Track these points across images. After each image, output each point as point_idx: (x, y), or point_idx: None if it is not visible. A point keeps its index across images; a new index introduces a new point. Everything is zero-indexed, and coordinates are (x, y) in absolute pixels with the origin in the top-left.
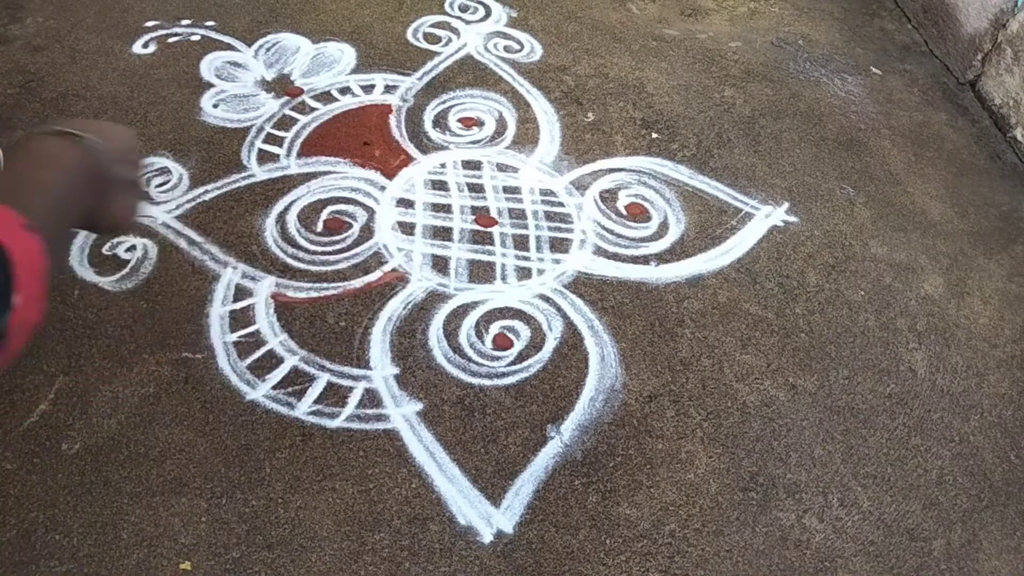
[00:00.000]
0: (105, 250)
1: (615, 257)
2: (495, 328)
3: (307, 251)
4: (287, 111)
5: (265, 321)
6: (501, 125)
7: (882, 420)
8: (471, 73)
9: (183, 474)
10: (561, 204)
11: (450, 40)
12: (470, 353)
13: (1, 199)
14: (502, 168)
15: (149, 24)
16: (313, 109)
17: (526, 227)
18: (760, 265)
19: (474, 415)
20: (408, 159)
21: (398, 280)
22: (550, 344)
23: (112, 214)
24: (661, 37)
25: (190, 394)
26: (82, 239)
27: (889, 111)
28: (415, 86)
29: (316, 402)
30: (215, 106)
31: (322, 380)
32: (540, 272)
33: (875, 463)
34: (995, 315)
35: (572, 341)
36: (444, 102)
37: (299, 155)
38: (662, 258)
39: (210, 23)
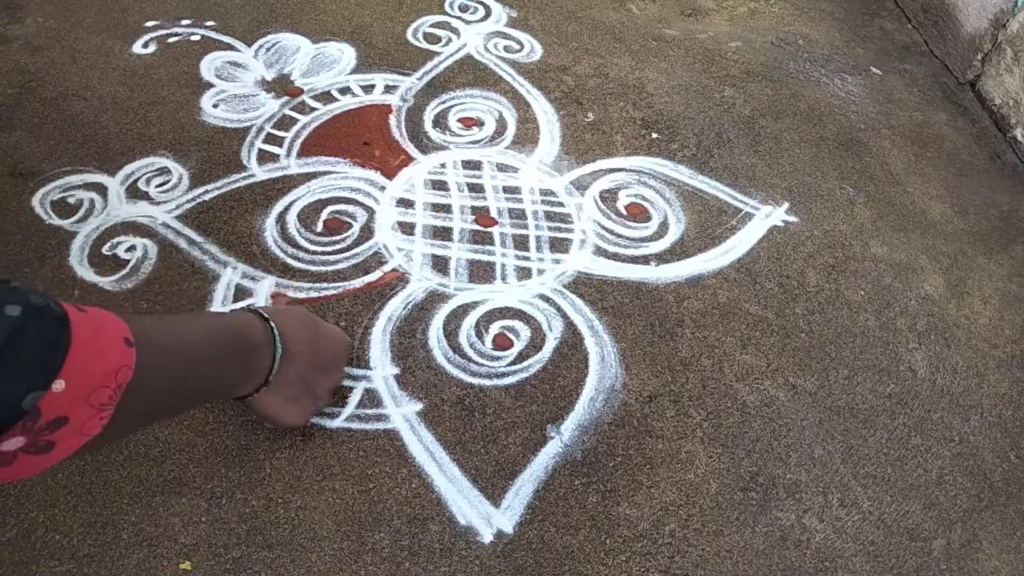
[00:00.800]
0: (105, 250)
1: (615, 257)
2: (495, 328)
3: (307, 251)
4: (287, 111)
5: None
6: (501, 125)
7: (882, 420)
8: (471, 73)
9: (183, 474)
10: (561, 204)
11: (450, 40)
12: (470, 353)
13: (129, 319)
14: (502, 168)
15: (149, 24)
16: (313, 109)
17: (526, 227)
18: (760, 265)
19: (474, 415)
20: (408, 159)
21: (398, 280)
22: (550, 344)
23: (265, 409)
24: (661, 37)
25: None
26: (82, 239)
27: (889, 111)
28: (415, 86)
29: None
30: (215, 106)
31: None
32: (540, 272)
33: (875, 463)
34: (995, 315)
35: (572, 341)
36: (444, 102)
37: (299, 155)
38: (662, 258)
39: (210, 23)
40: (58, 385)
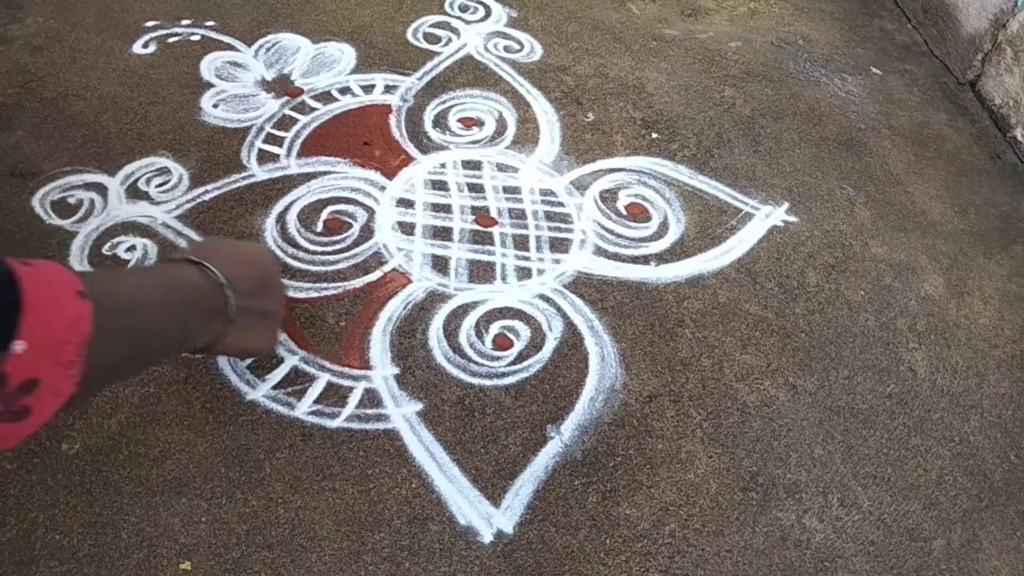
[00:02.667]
0: (105, 250)
1: (615, 257)
2: (495, 328)
3: (307, 251)
4: (287, 111)
5: None
6: (501, 125)
7: (882, 420)
8: (471, 73)
9: (183, 474)
10: (561, 204)
11: (450, 40)
12: (470, 353)
13: (79, 275)
14: (502, 168)
15: (149, 24)
16: (313, 109)
17: (526, 227)
18: (760, 265)
19: (474, 415)
20: (408, 159)
21: (402, 287)
22: (550, 344)
23: (239, 344)
24: (661, 37)
25: (190, 394)
26: (82, 239)
27: (889, 111)
28: (415, 86)
29: (316, 402)
30: (215, 106)
31: (322, 380)
32: (540, 272)
33: (875, 463)
34: (995, 315)
35: (572, 341)
36: (444, 102)
37: (299, 155)
38: (662, 258)
39: (210, 23)
40: (19, 346)
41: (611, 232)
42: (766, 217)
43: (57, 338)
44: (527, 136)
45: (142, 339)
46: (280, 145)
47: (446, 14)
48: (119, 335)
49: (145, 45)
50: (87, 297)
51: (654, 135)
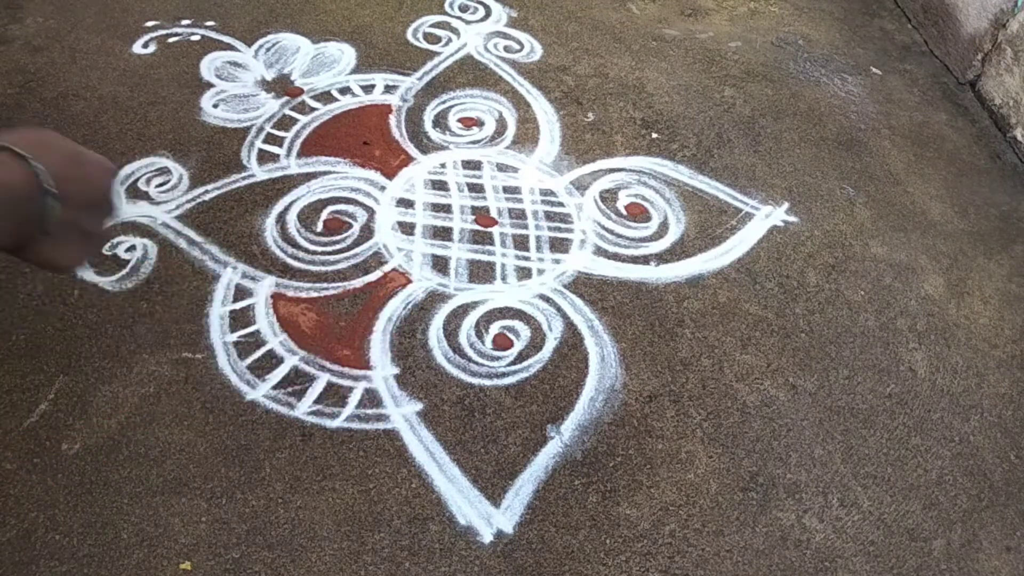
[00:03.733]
0: (105, 250)
1: (615, 257)
2: (495, 328)
3: (307, 251)
4: (287, 111)
5: (265, 321)
6: (501, 125)
7: (882, 420)
8: (471, 73)
9: (183, 474)
10: (561, 204)
11: (450, 40)
12: (470, 353)
13: None
14: (502, 168)
15: (149, 24)
16: (313, 109)
17: (526, 227)
18: (760, 265)
19: (474, 415)
20: (408, 159)
21: (402, 287)
22: (550, 344)
23: (46, 257)
24: (661, 37)
25: (190, 394)
26: None
27: (889, 111)
28: (415, 86)
29: (316, 402)
30: (215, 106)
31: (322, 380)
32: (540, 272)
33: (875, 463)
34: (995, 315)
35: (572, 341)
36: (444, 102)
37: (299, 155)
38: (662, 258)
39: (210, 23)
40: None
41: (611, 232)
42: (766, 217)
43: None
44: (527, 136)
45: None
46: (280, 145)
47: (446, 14)
48: None
49: (145, 45)
50: None
51: (654, 135)
